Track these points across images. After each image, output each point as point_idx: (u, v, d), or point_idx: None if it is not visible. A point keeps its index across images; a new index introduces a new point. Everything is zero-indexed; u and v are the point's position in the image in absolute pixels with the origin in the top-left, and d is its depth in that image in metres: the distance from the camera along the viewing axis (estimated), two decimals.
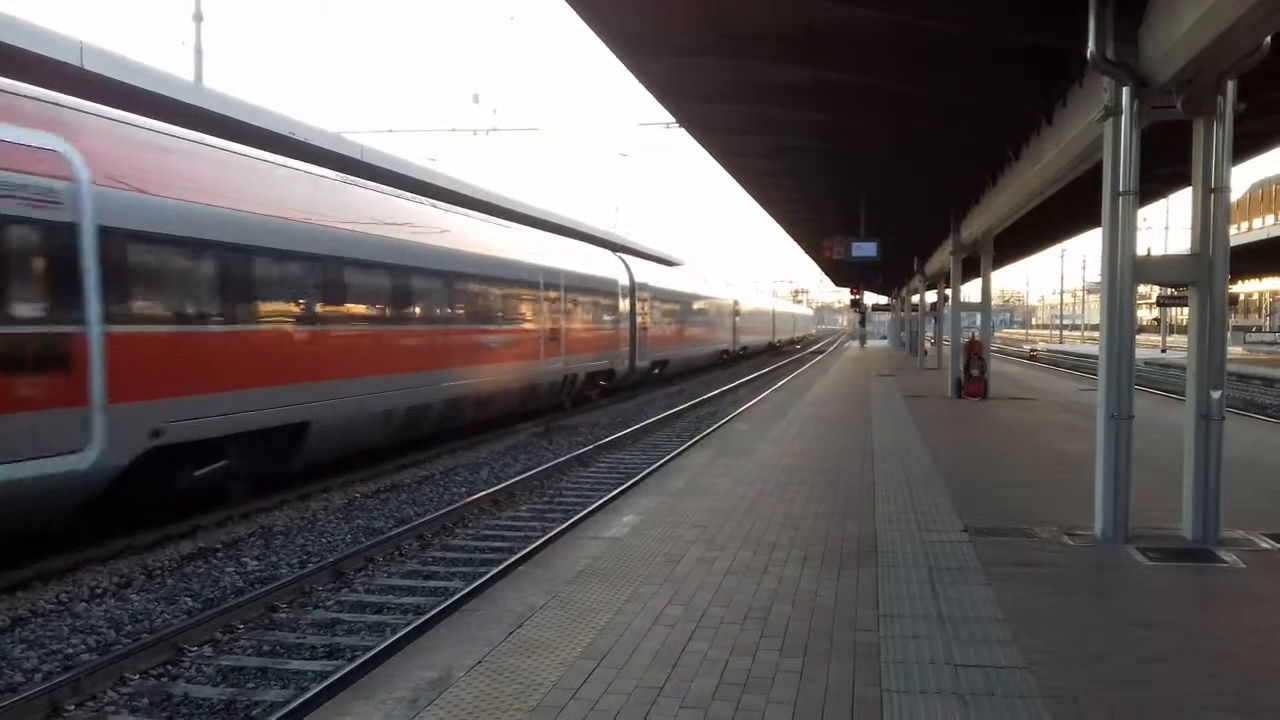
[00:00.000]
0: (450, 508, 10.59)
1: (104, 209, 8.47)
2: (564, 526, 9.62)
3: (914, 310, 40.02)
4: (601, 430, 18.30)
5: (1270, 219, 46.17)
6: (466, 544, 9.54)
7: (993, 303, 20.35)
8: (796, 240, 35.23)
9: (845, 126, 12.69)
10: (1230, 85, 6.44)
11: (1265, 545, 6.60)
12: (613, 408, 22.96)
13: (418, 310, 14.05)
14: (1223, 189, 6.62)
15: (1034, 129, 11.23)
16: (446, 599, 7.40)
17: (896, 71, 9.69)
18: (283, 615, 7.27)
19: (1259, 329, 61.70)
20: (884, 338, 73.62)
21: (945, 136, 12.80)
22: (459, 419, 15.68)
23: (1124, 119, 6.52)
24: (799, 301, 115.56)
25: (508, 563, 8.32)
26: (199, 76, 18.01)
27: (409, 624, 6.82)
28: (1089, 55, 6.46)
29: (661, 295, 29.79)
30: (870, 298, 54.58)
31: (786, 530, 7.08)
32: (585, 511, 10.32)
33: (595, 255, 24.43)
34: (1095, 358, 7.80)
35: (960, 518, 7.50)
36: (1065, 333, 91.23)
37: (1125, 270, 6.66)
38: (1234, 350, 46.70)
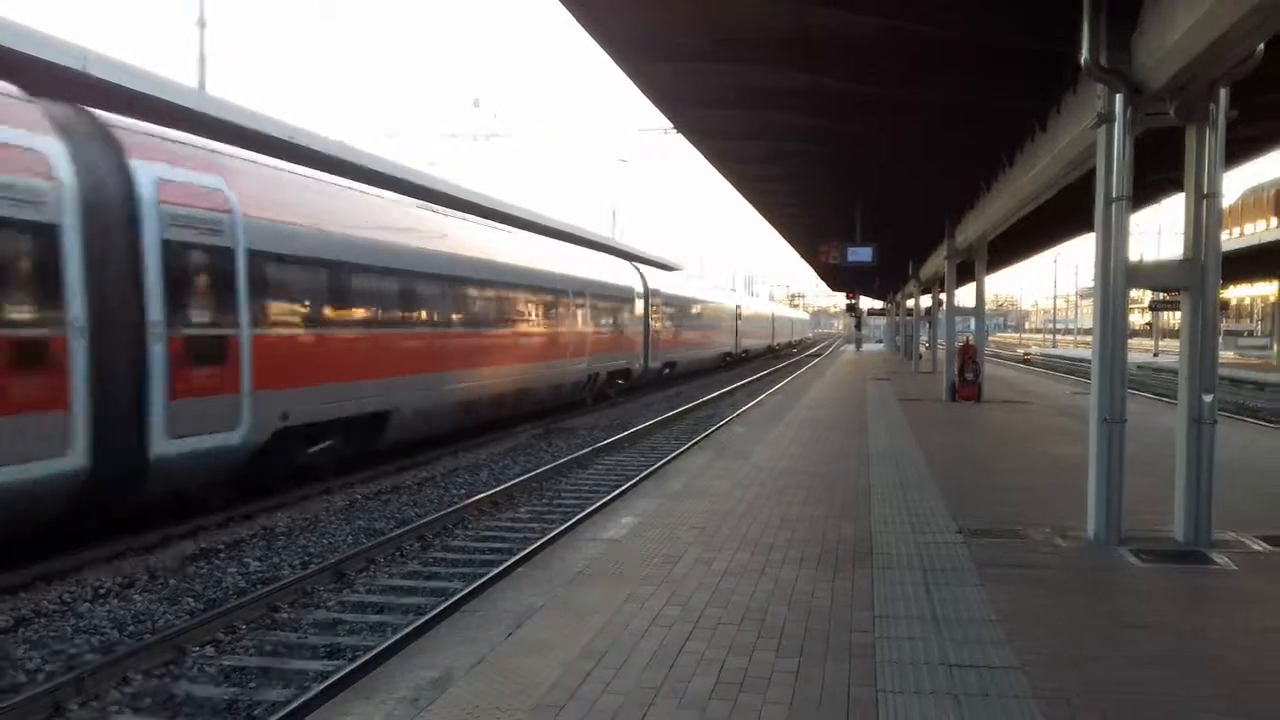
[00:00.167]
0: (450, 509, 10.64)
1: (250, 235, 10.40)
2: (563, 528, 9.67)
3: (909, 315, 40.11)
4: (600, 433, 18.34)
5: (1263, 224, 46.29)
6: (466, 545, 9.58)
7: (987, 307, 20.44)
8: (793, 245, 35.26)
9: (842, 131, 12.75)
10: (1223, 92, 6.51)
11: (1257, 548, 6.67)
12: (611, 410, 23.03)
13: (478, 317, 16.28)
14: (1215, 195, 6.69)
15: (1028, 135, 11.30)
16: (447, 599, 7.45)
17: (893, 76, 9.74)
18: (284, 615, 7.31)
19: (1251, 333, 61.79)
20: (879, 342, 73.73)
21: (941, 141, 12.87)
22: (504, 410, 17.77)
23: (1117, 126, 6.59)
24: (795, 306, 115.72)
25: (507, 564, 8.36)
26: (202, 85, 18.03)
27: (410, 624, 6.87)
28: (1083, 62, 6.52)
29: (671, 301, 31.49)
30: (866, 302, 54.72)
31: (783, 532, 7.14)
32: (584, 513, 10.38)
33: (615, 265, 26.40)
34: (1088, 361, 7.86)
35: (954, 520, 7.56)
36: (1058, 337, 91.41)
37: (1118, 275, 6.73)
38: (1226, 354, 46.81)
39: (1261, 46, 6.01)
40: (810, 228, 26.57)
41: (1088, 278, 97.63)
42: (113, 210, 8.77)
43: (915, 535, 7.04)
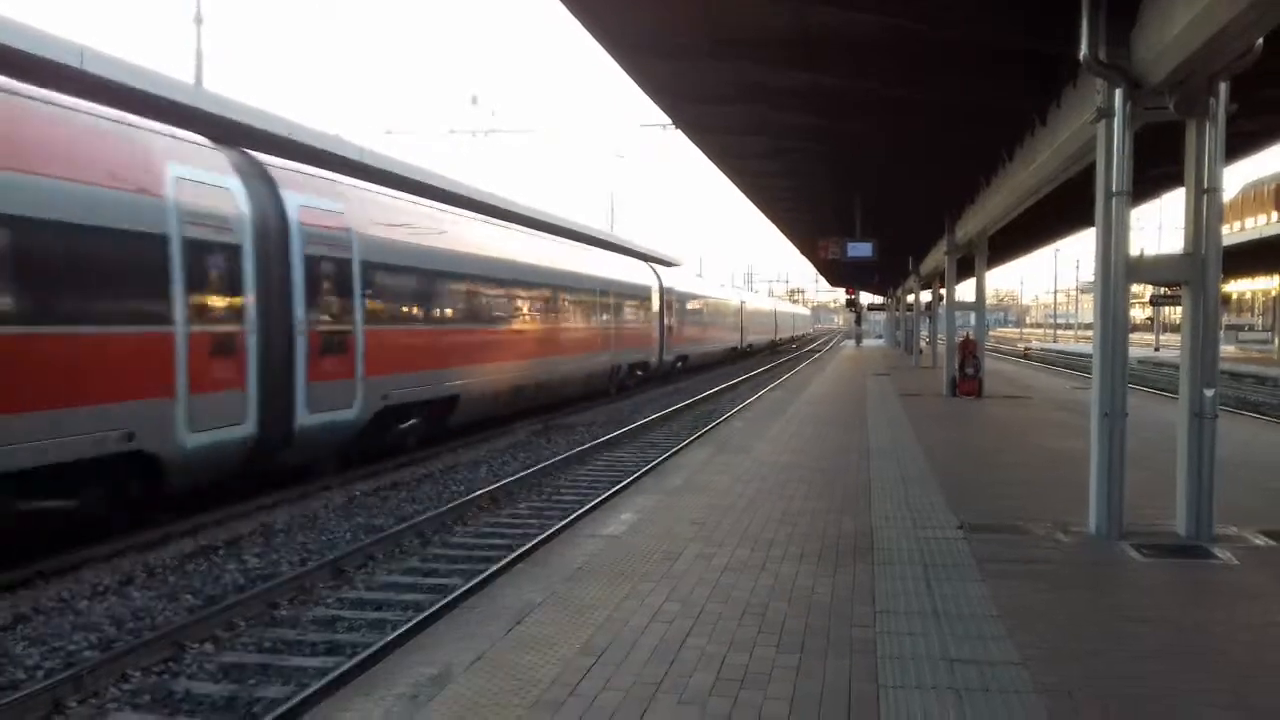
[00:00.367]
0: (450, 505, 10.64)
1: (362, 248, 12.66)
2: (562, 524, 9.66)
3: (909, 310, 40.10)
4: (599, 429, 18.34)
5: (1263, 219, 46.30)
6: (466, 541, 9.58)
7: (987, 302, 20.42)
8: (793, 240, 35.25)
9: (842, 129, 12.73)
10: (1222, 86, 6.49)
11: (1258, 542, 6.66)
12: (609, 406, 23.03)
13: (527, 315, 18.86)
14: (1215, 189, 6.67)
15: (1028, 130, 11.28)
16: (446, 596, 7.44)
17: (893, 75, 9.72)
18: (284, 612, 7.31)
19: (1251, 327, 61.84)
20: (879, 337, 73.71)
21: (940, 138, 12.85)
22: (544, 396, 20.05)
23: (1117, 120, 6.57)
24: (796, 301, 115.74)
25: (507, 560, 8.36)
26: (199, 81, 17.99)
27: (409, 621, 6.86)
28: (1082, 57, 6.50)
29: (684, 298, 33.43)
30: (866, 297, 54.70)
31: (784, 527, 7.13)
32: (583, 509, 10.37)
33: (634, 266, 28.52)
34: (1089, 356, 7.86)
35: (955, 515, 7.55)
36: (1059, 332, 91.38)
37: (1119, 270, 6.71)
38: (1227, 349, 46.83)
39: (1261, 41, 5.99)
40: (810, 223, 26.55)
41: (1088, 272, 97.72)
42: (272, 232, 11.01)
43: (916, 530, 7.03)
